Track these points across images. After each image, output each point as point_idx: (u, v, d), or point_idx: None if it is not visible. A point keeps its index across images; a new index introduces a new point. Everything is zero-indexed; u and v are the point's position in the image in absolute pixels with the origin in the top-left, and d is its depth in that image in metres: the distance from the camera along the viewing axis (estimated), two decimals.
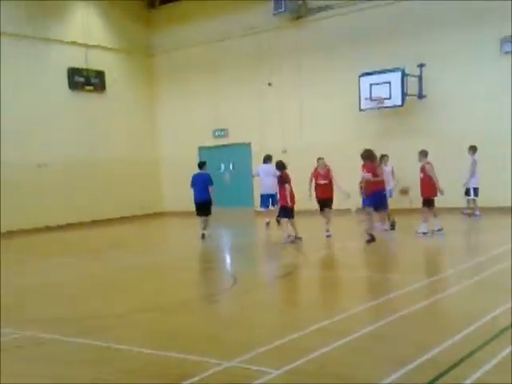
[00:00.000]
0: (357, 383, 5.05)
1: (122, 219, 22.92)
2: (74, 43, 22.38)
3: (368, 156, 13.28)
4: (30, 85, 20.86)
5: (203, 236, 15.90)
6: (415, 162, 14.47)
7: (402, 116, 19.51)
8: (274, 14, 21.29)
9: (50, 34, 21.67)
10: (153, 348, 6.29)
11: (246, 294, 9.20)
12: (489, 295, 7.91)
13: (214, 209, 16.22)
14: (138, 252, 14.61)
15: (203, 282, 11.20)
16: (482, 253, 11.89)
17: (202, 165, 16.60)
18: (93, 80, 22.95)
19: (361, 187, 15.05)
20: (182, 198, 21.02)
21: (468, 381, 4.85)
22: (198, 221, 16.42)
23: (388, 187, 15.60)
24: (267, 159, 17.86)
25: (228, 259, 13.81)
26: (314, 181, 14.82)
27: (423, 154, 14.11)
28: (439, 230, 13.96)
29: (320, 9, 21.05)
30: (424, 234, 13.83)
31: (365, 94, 19.24)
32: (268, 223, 17.66)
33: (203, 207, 16.04)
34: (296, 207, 14.22)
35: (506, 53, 17.74)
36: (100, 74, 23.22)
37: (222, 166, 23.68)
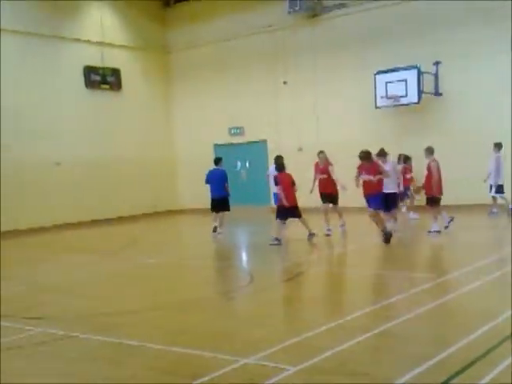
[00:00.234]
0: (375, 382, 5.08)
1: (139, 217, 23.05)
2: (90, 42, 22.53)
3: (365, 157, 13.16)
4: (47, 83, 21.03)
5: (215, 229, 15.93)
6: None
7: (418, 113, 19.43)
8: (289, 13, 21.30)
9: (66, 32, 21.85)
10: (170, 345, 6.35)
11: (262, 291, 9.23)
12: (505, 293, 7.88)
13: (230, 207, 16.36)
14: (155, 250, 14.70)
15: (220, 279, 11.26)
16: (498, 250, 11.84)
17: (218, 161, 16.61)
18: (109, 78, 23.10)
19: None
20: (197, 195, 21.10)
21: (483, 381, 4.85)
22: (211, 217, 16.51)
23: (400, 188, 15.49)
24: (277, 160, 17.82)
25: (244, 257, 13.87)
26: (315, 175, 14.97)
27: (429, 150, 13.91)
28: (447, 224, 13.86)
29: (335, 7, 21.06)
30: (437, 232, 13.66)
31: (381, 91, 19.21)
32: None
33: (220, 203, 16.10)
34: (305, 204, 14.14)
35: None
36: (116, 73, 23.35)
37: (239, 163, 23.75)
